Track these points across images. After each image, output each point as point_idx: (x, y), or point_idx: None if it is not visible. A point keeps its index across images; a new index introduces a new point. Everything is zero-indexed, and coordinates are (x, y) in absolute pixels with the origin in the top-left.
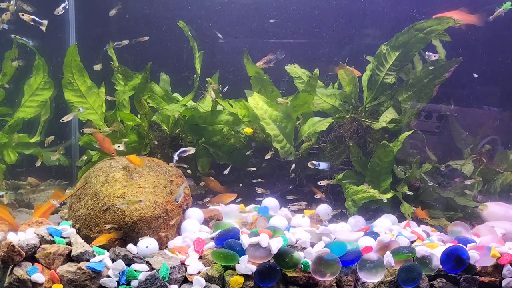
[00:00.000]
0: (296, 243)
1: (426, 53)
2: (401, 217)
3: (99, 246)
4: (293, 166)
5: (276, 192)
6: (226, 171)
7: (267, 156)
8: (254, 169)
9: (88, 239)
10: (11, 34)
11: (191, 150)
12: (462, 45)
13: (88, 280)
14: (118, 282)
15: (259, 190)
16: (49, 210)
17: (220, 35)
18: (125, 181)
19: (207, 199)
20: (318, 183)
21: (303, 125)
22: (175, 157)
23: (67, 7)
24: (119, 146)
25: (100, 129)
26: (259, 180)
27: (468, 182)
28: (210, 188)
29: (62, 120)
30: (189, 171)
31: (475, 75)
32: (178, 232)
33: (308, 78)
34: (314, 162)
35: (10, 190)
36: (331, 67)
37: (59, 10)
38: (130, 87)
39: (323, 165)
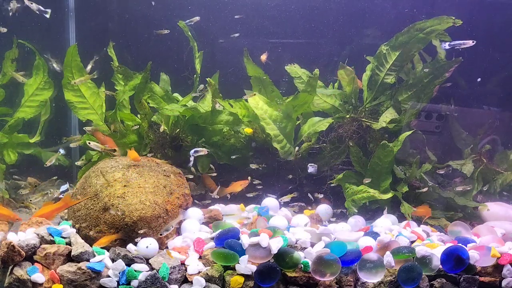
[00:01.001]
0: (296, 243)
1: (445, 43)
2: (401, 217)
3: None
4: (296, 150)
5: (276, 192)
6: (217, 192)
7: (253, 166)
8: (258, 166)
9: (88, 239)
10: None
11: (204, 151)
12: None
13: (88, 280)
14: (118, 282)
15: (256, 182)
16: (56, 210)
17: (237, 34)
18: (125, 181)
19: (214, 193)
20: (280, 199)
21: (303, 125)
22: (191, 158)
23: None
24: (79, 162)
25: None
26: (258, 181)
27: (460, 188)
28: (207, 186)
29: (46, 165)
30: (190, 175)
31: (479, 79)
32: (178, 232)
33: (308, 78)
34: (311, 164)
35: (10, 191)
36: (333, 78)
37: (36, 9)
38: (130, 87)
39: (310, 168)
